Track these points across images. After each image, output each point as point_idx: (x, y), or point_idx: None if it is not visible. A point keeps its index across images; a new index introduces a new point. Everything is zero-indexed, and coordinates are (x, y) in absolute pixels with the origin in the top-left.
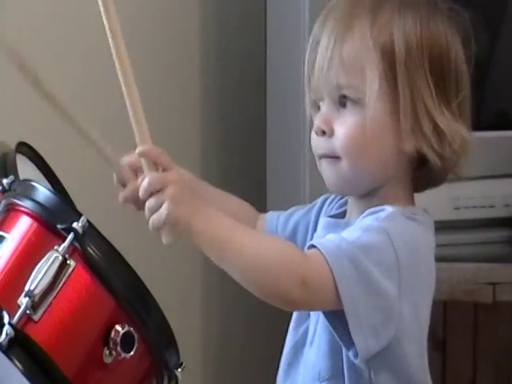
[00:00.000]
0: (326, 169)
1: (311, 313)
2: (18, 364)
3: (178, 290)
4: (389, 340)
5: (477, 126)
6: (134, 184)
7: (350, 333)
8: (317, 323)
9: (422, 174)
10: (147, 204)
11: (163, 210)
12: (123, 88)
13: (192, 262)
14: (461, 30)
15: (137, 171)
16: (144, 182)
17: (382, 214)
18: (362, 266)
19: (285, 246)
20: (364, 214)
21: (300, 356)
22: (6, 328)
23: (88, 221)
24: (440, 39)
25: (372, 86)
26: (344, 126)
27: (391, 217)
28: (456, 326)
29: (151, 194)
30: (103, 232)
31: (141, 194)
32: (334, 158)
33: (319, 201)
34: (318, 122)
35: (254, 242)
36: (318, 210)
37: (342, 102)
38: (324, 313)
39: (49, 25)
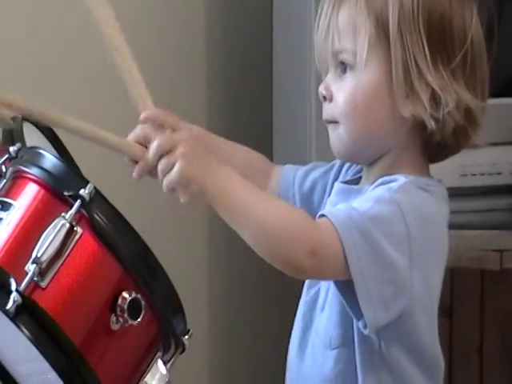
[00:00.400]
0: (330, 135)
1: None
2: (26, 331)
3: (183, 255)
4: (399, 312)
5: None
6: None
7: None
8: (328, 290)
9: (427, 139)
10: (159, 166)
11: (175, 170)
12: (115, 55)
13: (197, 224)
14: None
15: (146, 144)
16: (153, 146)
17: (395, 185)
18: (372, 237)
19: (296, 213)
20: (376, 183)
21: (311, 321)
22: (14, 295)
23: (95, 188)
24: (442, 5)
25: (362, 49)
26: (342, 91)
27: (403, 188)
28: (463, 293)
29: (162, 157)
30: (110, 200)
31: (151, 157)
32: (334, 122)
33: (338, 163)
34: (320, 88)
35: (265, 205)
36: (335, 173)
37: (342, 67)
38: (334, 282)
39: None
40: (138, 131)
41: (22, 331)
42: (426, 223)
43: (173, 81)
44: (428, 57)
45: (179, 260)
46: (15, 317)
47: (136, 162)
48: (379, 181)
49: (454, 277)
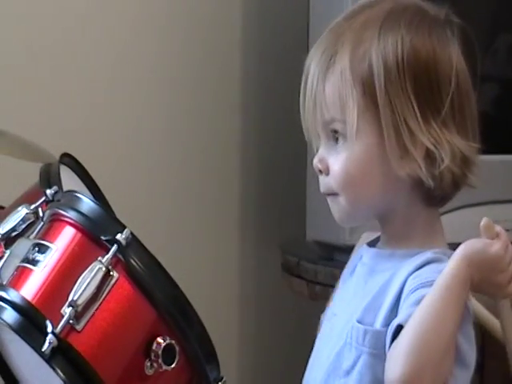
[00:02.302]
0: (331, 206)
1: (352, 343)
2: (60, 373)
3: (215, 299)
4: None
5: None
6: None
7: None
8: (358, 358)
9: (427, 193)
10: None
11: None
12: None
13: (229, 270)
14: (460, 38)
15: None
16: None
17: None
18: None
19: None
20: (417, 265)
21: (332, 381)
22: (49, 337)
23: (131, 233)
24: (425, 53)
25: (352, 120)
26: (337, 163)
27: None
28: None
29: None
30: (146, 243)
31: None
32: (333, 194)
33: None
34: (314, 161)
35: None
36: None
37: (334, 137)
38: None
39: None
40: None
41: (57, 373)
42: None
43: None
44: (418, 115)
45: (209, 303)
46: (50, 359)
47: None
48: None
49: (485, 333)
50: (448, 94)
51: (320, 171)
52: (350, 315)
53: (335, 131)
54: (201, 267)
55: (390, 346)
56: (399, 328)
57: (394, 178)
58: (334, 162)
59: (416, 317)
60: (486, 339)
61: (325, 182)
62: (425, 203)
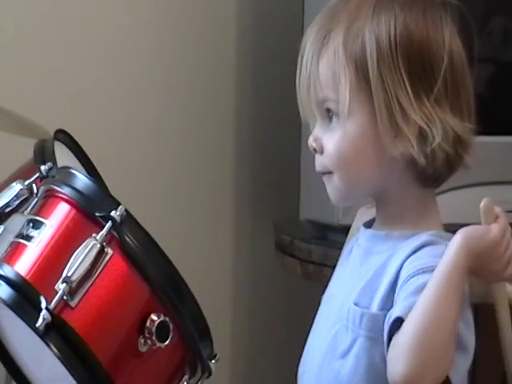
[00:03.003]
0: (326, 186)
1: (349, 325)
2: (54, 349)
3: (209, 279)
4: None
5: (509, 130)
6: None
7: None
8: (355, 341)
9: (422, 173)
10: None
11: None
12: None
13: (222, 248)
14: (456, 19)
15: None
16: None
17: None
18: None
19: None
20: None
21: (328, 363)
22: (43, 313)
23: (126, 209)
24: (419, 35)
25: (344, 98)
26: (331, 141)
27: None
28: (486, 329)
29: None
30: (140, 220)
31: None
32: (328, 173)
33: None
34: (309, 140)
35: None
36: None
37: (329, 115)
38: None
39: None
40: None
41: (51, 349)
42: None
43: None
44: (410, 94)
45: (204, 282)
46: (44, 334)
47: None
48: (413, 248)
49: (478, 313)
50: (441, 72)
51: (315, 150)
52: (346, 297)
53: (329, 110)
54: (195, 245)
55: (388, 339)
56: (398, 320)
57: (388, 157)
58: (328, 141)
59: (416, 314)
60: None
61: (320, 161)
62: (419, 183)
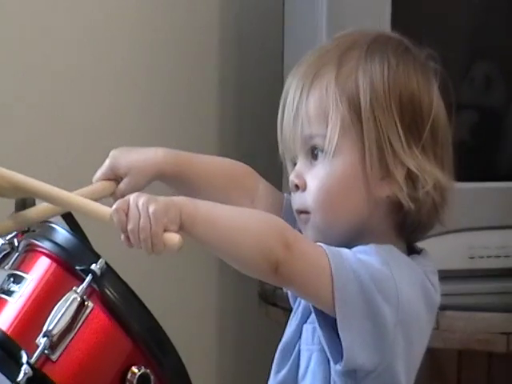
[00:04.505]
0: (301, 226)
1: (302, 349)
2: None
3: (192, 329)
4: (377, 361)
5: (493, 176)
6: None
7: (338, 342)
8: (310, 359)
9: (402, 220)
10: (130, 235)
11: (151, 218)
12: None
13: (207, 301)
14: (438, 76)
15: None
16: (114, 216)
17: (382, 246)
18: (362, 278)
19: (273, 216)
20: None
21: None
22: (25, 367)
23: (106, 263)
24: (410, 83)
25: (334, 133)
26: (315, 179)
27: (388, 249)
28: (471, 374)
29: (125, 226)
30: (119, 271)
31: (119, 228)
32: (306, 213)
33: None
34: (291, 177)
35: (239, 211)
36: None
37: (314, 153)
38: (316, 316)
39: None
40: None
41: None
42: (419, 287)
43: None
44: (402, 136)
45: (187, 333)
46: None
47: None
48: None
49: (462, 358)
50: (428, 122)
51: (296, 186)
52: (298, 325)
53: (315, 147)
54: (177, 293)
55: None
56: None
57: (372, 199)
58: (312, 178)
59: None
60: (462, 366)
61: (300, 199)
62: (396, 232)
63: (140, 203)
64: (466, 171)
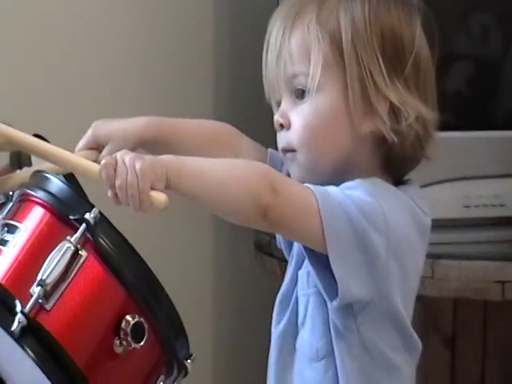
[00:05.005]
0: (288, 165)
1: (299, 295)
2: (30, 352)
3: (188, 279)
4: (372, 291)
5: (489, 125)
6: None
7: (332, 279)
8: (307, 304)
9: (387, 154)
10: (118, 191)
11: (138, 174)
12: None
13: (203, 252)
14: (420, 12)
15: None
16: (102, 171)
17: (366, 179)
18: (349, 209)
19: (258, 162)
20: None
21: (291, 341)
22: (19, 316)
23: (100, 212)
24: (391, 18)
25: (316, 70)
26: (299, 116)
27: (374, 181)
28: (465, 323)
29: (113, 181)
30: (114, 222)
31: (106, 185)
32: (292, 151)
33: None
34: (275, 116)
35: (225, 161)
36: None
37: (298, 93)
38: (307, 254)
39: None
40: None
41: (27, 352)
42: (408, 214)
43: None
44: (384, 71)
45: (183, 283)
46: (20, 338)
47: None
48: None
49: (457, 307)
50: (410, 57)
51: (281, 126)
52: (293, 272)
53: (298, 86)
54: (173, 245)
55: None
56: None
57: (357, 134)
58: (296, 116)
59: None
60: (457, 314)
61: (285, 137)
62: (383, 168)
63: (127, 159)
64: (461, 120)
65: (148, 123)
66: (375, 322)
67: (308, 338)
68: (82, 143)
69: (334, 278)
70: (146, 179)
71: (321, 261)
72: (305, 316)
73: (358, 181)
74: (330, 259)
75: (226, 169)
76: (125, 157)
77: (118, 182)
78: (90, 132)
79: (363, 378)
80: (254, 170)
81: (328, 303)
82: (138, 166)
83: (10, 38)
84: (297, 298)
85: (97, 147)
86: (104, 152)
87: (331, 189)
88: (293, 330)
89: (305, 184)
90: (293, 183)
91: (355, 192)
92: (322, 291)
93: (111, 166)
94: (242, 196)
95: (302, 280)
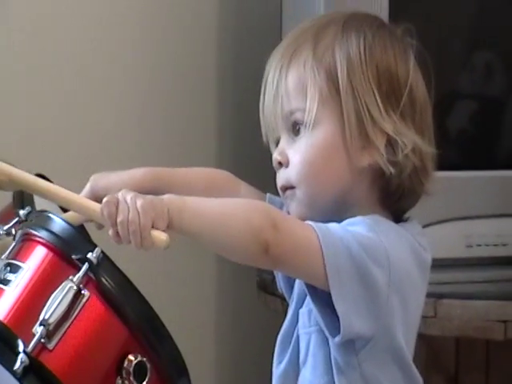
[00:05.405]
0: (287, 204)
1: (301, 334)
2: None
3: (190, 318)
4: (374, 327)
5: (491, 165)
6: None
7: (334, 316)
8: (309, 342)
9: (386, 187)
10: (119, 228)
11: (144, 225)
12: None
13: (205, 291)
14: (414, 50)
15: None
16: (104, 209)
17: (366, 216)
18: (352, 246)
19: (258, 201)
20: None
21: (293, 381)
22: (21, 356)
23: (102, 251)
24: (387, 54)
25: (313, 104)
26: (297, 152)
27: (374, 217)
28: (468, 362)
29: (114, 218)
30: (116, 262)
31: (107, 223)
32: (291, 189)
33: None
34: (274, 155)
35: (226, 200)
36: None
37: (295, 129)
38: (309, 293)
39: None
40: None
41: None
42: (408, 249)
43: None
44: (380, 104)
45: (185, 322)
46: (22, 378)
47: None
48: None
49: (460, 346)
50: (406, 90)
51: (280, 164)
52: (294, 311)
53: (296, 123)
54: (176, 284)
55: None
56: None
57: (355, 168)
58: (294, 153)
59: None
60: (460, 353)
61: (284, 175)
62: (380, 203)
63: (128, 197)
64: (463, 159)
65: (145, 174)
66: (377, 358)
67: (309, 376)
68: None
69: (336, 315)
70: (147, 216)
71: (322, 298)
72: (306, 355)
73: (358, 217)
74: (332, 295)
75: (228, 206)
76: (126, 195)
77: (119, 219)
78: (88, 186)
79: None
80: (256, 207)
81: (330, 340)
82: (139, 203)
83: (10, 76)
84: (298, 337)
85: (95, 200)
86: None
87: (332, 225)
88: (294, 370)
89: (305, 221)
90: (293, 220)
91: (356, 228)
92: (324, 328)
93: (113, 204)
94: (244, 232)
95: (304, 319)
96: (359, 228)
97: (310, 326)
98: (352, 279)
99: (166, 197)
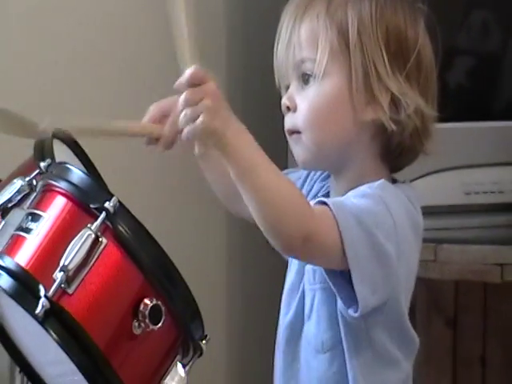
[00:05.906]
0: (292, 147)
1: (306, 289)
2: (53, 334)
3: (202, 264)
4: (386, 297)
5: (488, 116)
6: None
7: (350, 289)
8: (313, 298)
9: (387, 143)
10: (182, 114)
11: (199, 121)
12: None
13: (216, 229)
14: (424, 19)
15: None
16: (181, 98)
17: (374, 184)
18: (366, 225)
19: (301, 195)
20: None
21: (298, 332)
22: (42, 300)
23: (119, 201)
24: (397, 17)
25: (323, 56)
26: (305, 100)
27: (382, 185)
28: (467, 304)
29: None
30: (133, 211)
31: (179, 108)
32: (297, 133)
33: (303, 175)
34: (283, 99)
35: (275, 179)
36: (306, 188)
37: (305, 78)
38: (325, 271)
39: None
40: (151, 111)
41: (50, 334)
42: (404, 216)
43: None
44: (387, 63)
45: (198, 266)
46: (44, 321)
47: (157, 140)
48: (353, 191)
49: (458, 289)
50: (413, 54)
51: (288, 108)
52: (300, 266)
53: (306, 72)
54: (189, 231)
55: None
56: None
57: (358, 122)
58: (302, 99)
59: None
60: (458, 296)
61: (291, 119)
62: (381, 157)
63: (211, 90)
64: (462, 112)
65: None
66: (383, 321)
67: (314, 330)
68: (146, 118)
69: (353, 289)
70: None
71: (336, 273)
72: (311, 310)
73: (367, 189)
74: (353, 278)
75: (280, 177)
76: (212, 91)
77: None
78: (151, 107)
79: (368, 370)
80: (299, 208)
81: (338, 300)
82: (207, 101)
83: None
84: (303, 292)
85: (160, 120)
86: (170, 119)
87: (347, 207)
88: (299, 322)
89: (321, 199)
90: (326, 228)
91: (367, 202)
92: (339, 300)
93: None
94: (276, 230)
95: (309, 275)
96: (369, 202)
97: (315, 284)
98: (370, 261)
99: (233, 126)
